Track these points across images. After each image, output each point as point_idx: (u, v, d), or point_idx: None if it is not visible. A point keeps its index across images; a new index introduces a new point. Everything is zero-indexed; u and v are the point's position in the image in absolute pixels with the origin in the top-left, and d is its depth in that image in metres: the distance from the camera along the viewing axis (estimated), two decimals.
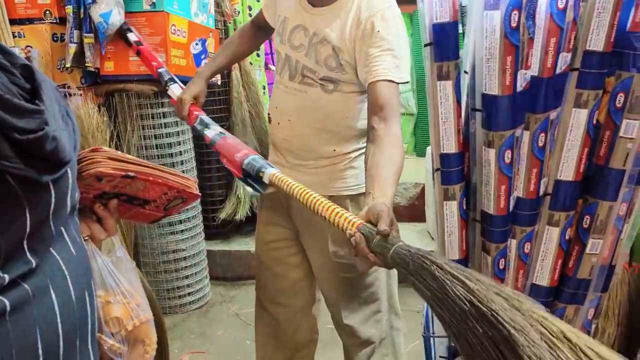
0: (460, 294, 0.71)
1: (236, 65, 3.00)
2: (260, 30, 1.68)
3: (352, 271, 1.47)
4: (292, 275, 1.57)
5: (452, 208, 1.15)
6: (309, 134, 1.44)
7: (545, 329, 0.63)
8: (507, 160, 1.05)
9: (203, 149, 2.91)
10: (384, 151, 1.21)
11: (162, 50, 2.28)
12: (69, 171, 0.62)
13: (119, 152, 0.86)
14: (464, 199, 1.15)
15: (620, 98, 1.04)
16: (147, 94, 2.33)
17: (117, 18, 2.10)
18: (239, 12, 3.13)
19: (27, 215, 0.55)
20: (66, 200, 0.62)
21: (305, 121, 1.45)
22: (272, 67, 3.62)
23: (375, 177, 1.14)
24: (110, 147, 1.92)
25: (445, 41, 1.01)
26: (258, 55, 3.30)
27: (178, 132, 2.48)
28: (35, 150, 0.53)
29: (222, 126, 3.11)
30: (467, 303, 0.70)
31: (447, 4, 0.97)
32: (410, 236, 2.98)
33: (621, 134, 1.05)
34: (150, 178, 0.90)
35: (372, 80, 1.28)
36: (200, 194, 1.03)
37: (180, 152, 2.51)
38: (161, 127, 2.42)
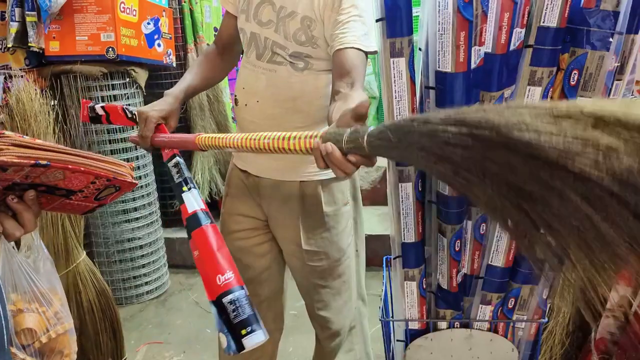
0: (462, 132, 0.60)
1: (193, 47, 2.91)
2: (226, 51, 1.51)
3: (322, 260, 1.44)
4: (259, 264, 1.52)
5: (407, 190, 1.12)
6: (278, 115, 1.37)
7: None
8: None
9: None
10: (351, 103, 1.06)
11: (111, 29, 2.17)
12: None
13: (27, 138, 0.76)
14: (419, 180, 1.13)
15: (574, 75, 1.02)
16: (96, 75, 2.22)
17: None
18: None
19: None
20: None
21: (274, 102, 1.37)
22: None
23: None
24: (55, 132, 1.82)
25: (397, 16, 0.97)
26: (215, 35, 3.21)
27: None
28: None
29: None
30: (476, 136, 0.59)
31: None
32: (372, 219, 2.97)
33: None
34: (70, 166, 0.80)
35: (339, 47, 1.23)
36: (136, 181, 0.93)
37: None
38: None
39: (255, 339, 0.89)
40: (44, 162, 0.76)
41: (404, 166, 1.11)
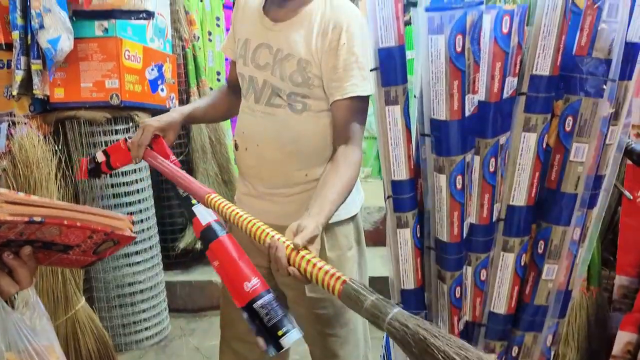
0: None
1: (195, 91, 2.95)
2: (236, 90, 1.52)
3: (328, 308, 1.41)
4: None
5: (406, 236, 1.11)
6: (278, 159, 1.36)
7: None
8: (459, 186, 1.02)
9: (161, 176, 2.84)
10: (336, 172, 1.24)
11: (116, 76, 2.21)
12: None
13: (22, 195, 0.76)
14: (417, 226, 1.12)
15: (569, 121, 1.03)
16: (100, 121, 2.25)
17: (66, 44, 2.03)
18: (198, 37, 3.09)
19: None
20: None
21: (274, 145, 1.37)
22: None
23: (318, 195, 1.18)
24: (57, 178, 1.84)
25: (391, 66, 0.98)
26: (218, 79, 3.26)
27: None
28: None
29: (180, 153, 3.02)
30: None
31: (392, 29, 0.95)
32: (374, 261, 2.94)
33: (571, 157, 1.04)
34: (65, 222, 0.79)
35: (338, 98, 1.26)
36: (135, 235, 0.93)
37: (136, 180, 2.43)
38: None
39: (291, 337, 0.95)
40: (39, 219, 0.75)
41: (402, 211, 1.11)
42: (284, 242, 0.98)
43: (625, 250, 1.36)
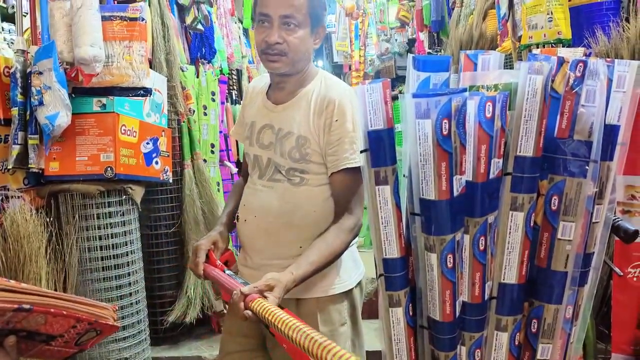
0: None
1: (189, 163, 2.99)
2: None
3: None
4: None
5: (398, 315, 1.10)
6: (274, 230, 1.42)
7: None
8: (450, 265, 1.03)
9: (153, 248, 2.81)
10: (325, 236, 1.38)
11: (111, 150, 2.25)
12: None
13: (12, 282, 0.78)
14: (410, 304, 1.11)
15: (555, 201, 1.05)
16: (93, 194, 2.26)
17: (64, 120, 2.08)
18: (194, 111, 3.18)
19: None
20: None
21: (270, 216, 1.44)
22: (228, 164, 3.63)
23: (302, 255, 1.35)
24: (47, 252, 1.82)
25: (380, 147, 1.02)
26: (213, 152, 3.32)
27: (125, 232, 2.38)
28: None
29: (172, 225, 3.01)
30: None
31: (380, 113, 0.99)
32: (369, 334, 2.87)
33: (559, 236, 1.06)
34: (52, 310, 0.80)
35: (333, 170, 1.40)
36: (118, 325, 0.95)
37: (127, 252, 2.40)
38: (107, 228, 2.33)
39: None
40: (27, 307, 0.76)
41: (394, 290, 1.10)
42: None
43: (619, 328, 1.34)
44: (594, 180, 1.06)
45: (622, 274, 1.24)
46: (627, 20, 2.08)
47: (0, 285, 0.74)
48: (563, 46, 2.10)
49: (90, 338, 0.91)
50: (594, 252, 1.12)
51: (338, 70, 6.64)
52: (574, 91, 1.01)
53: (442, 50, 3.85)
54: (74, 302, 0.85)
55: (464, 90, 0.94)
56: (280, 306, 1.15)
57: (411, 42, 6.03)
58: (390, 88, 0.99)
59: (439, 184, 0.97)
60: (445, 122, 0.93)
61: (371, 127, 1.00)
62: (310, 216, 1.42)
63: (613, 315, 1.36)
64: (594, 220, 1.09)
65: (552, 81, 1.03)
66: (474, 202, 1.01)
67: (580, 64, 1.01)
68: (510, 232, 1.06)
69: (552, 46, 2.11)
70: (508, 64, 2.68)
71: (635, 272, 1.28)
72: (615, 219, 1.21)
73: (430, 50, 4.09)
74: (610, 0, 2.25)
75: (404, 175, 1.11)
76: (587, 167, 1.02)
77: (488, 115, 0.95)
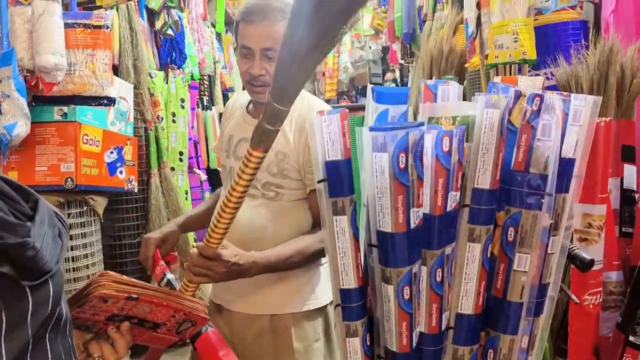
0: None
1: (156, 172, 2.95)
2: None
3: None
4: None
5: (355, 345, 1.09)
6: (245, 244, 1.43)
7: None
8: (406, 297, 1.02)
9: (116, 259, 2.76)
10: (300, 237, 1.41)
11: (72, 160, 2.19)
12: (49, 281, 0.69)
13: (125, 277, 0.98)
14: (367, 334, 1.11)
15: (511, 232, 1.06)
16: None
17: (22, 129, 2.02)
18: (162, 118, 3.13)
19: (3, 315, 0.62)
20: (46, 309, 0.68)
21: (242, 230, 1.45)
22: (197, 171, 3.59)
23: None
24: None
25: (338, 178, 1.01)
26: (181, 160, 3.27)
27: (85, 244, 2.33)
28: (16, 256, 0.63)
29: (138, 234, 2.97)
30: None
31: (338, 144, 0.98)
32: None
33: (515, 267, 1.06)
34: (155, 300, 0.98)
35: (311, 188, 1.45)
36: (208, 317, 1.11)
37: (87, 265, 2.35)
38: None
39: None
40: (135, 296, 0.95)
41: (351, 320, 1.09)
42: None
43: (576, 355, 1.36)
44: (550, 212, 1.06)
45: (578, 301, 1.26)
46: (594, 43, 2.13)
47: (117, 279, 0.94)
48: (529, 66, 2.13)
49: (186, 328, 1.08)
50: (549, 283, 1.13)
51: (312, 76, 6.65)
52: (530, 125, 1.02)
53: (413, 62, 3.88)
54: (172, 296, 1.03)
55: (421, 124, 0.94)
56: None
57: (385, 50, 6.07)
58: (348, 119, 0.98)
59: (395, 217, 0.97)
60: (402, 156, 0.93)
61: (329, 157, 0.99)
62: (282, 231, 1.45)
63: (570, 342, 1.38)
64: (549, 252, 1.10)
65: (510, 114, 1.04)
66: (431, 235, 1.01)
67: (537, 98, 1.01)
68: (467, 263, 1.06)
69: (518, 66, 2.14)
70: (477, 80, 2.71)
71: (591, 300, 1.30)
72: (572, 247, 1.22)
73: (402, 61, 4.11)
74: (575, 21, 2.30)
75: (363, 204, 1.10)
76: (542, 200, 1.03)
77: (445, 149, 0.94)
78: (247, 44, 1.44)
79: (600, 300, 1.32)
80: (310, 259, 1.43)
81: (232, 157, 1.53)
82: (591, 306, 1.28)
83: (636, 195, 1.37)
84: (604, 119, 1.17)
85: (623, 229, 1.38)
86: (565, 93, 1.05)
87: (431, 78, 3.25)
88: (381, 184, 0.95)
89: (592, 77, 1.27)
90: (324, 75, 6.10)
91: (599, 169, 1.18)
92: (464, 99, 3.26)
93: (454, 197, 1.01)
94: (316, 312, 1.51)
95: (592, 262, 1.18)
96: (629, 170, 1.38)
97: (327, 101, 6.60)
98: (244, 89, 1.60)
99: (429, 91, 1.07)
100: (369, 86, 1.00)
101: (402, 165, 0.94)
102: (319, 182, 1.02)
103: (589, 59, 1.30)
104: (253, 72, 1.44)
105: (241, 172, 1.21)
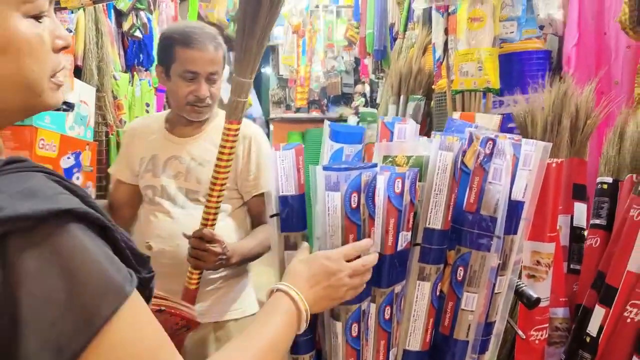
0: None
1: None
2: (119, 208, 1.80)
3: None
4: None
5: None
6: (178, 253, 1.54)
7: None
8: (354, 334, 1.02)
9: None
10: (259, 232, 1.62)
11: None
12: None
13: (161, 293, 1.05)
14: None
15: (460, 271, 1.07)
16: None
17: None
18: (125, 122, 3.06)
19: None
20: None
21: (177, 239, 1.54)
22: None
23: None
24: None
25: (291, 213, 1.00)
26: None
27: None
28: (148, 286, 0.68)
29: None
30: None
31: (292, 179, 0.98)
32: None
33: (462, 306, 1.07)
34: (172, 310, 1.04)
35: (255, 194, 1.65)
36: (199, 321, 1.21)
37: None
38: None
39: None
40: (162, 308, 1.02)
41: (297, 354, 1.09)
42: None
43: None
44: (498, 253, 1.08)
45: (524, 336, 1.28)
46: (557, 73, 2.19)
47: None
48: (493, 94, 2.17)
49: (181, 333, 1.12)
50: (495, 321, 1.15)
51: (283, 83, 6.60)
52: (482, 168, 1.03)
53: (384, 78, 3.91)
54: (176, 303, 1.10)
55: (374, 165, 0.94)
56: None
57: (358, 61, 6.11)
58: (303, 154, 0.98)
59: None
60: (354, 196, 0.93)
61: (282, 192, 0.99)
62: (230, 236, 1.59)
63: None
64: (496, 291, 1.12)
65: (464, 155, 1.05)
66: (381, 273, 1.01)
67: (490, 142, 1.03)
68: (416, 301, 1.07)
69: (483, 93, 2.18)
70: (443, 101, 2.75)
71: (537, 335, 1.32)
72: (520, 284, 1.24)
73: (373, 76, 4.14)
74: (539, 50, 2.36)
75: (316, 237, 1.10)
76: (491, 242, 1.05)
77: (397, 190, 0.95)
78: (193, 68, 1.54)
79: (546, 336, 1.35)
80: (266, 251, 1.59)
81: (163, 175, 1.62)
82: (537, 342, 1.31)
83: (585, 233, 1.41)
84: (555, 160, 1.20)
85: (571, 266, 1.42)
86: (516, 138, 1.07)
87: (399, 96, 3.28)
88: (333, 222, 0.95)
89: (546, 118, 1.30)
90: (295, 83, 6.09)
91: (549, 209, 1.21)
92: (431, 119, 3.29)
93: (405, 236, 1.01)
94: (243, 320, 1.66)
95: (538, 301, 1.20)
96: (580, 208, 1.42)
97: (298, 109, 6.59)
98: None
99: (386, 129, 1.07)
100: (326, 122, 1.00)
101: (354, 205, 0.94)
102: (271, 216, 1.01)
103: (545, 99, 1.34)
104: (200, 94, 1.55)
105: (222, 148, 1.39)
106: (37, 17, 0.64)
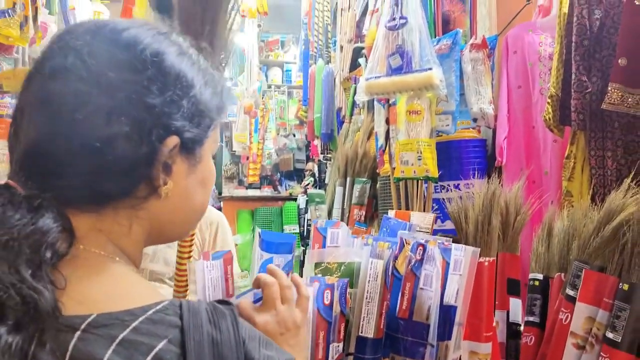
0: None
1: None
2: None
3: None
4: None
5: None
6: None
7: None
8: None
9: None
10: None
11: None
12: None
13: None
14: None
15: None
16: None
17: None
18: None
19: None
20: None
21: None
22: None
23: None
24: None
25: None
26: None
27: None
28: None
29: None
30: None
31: (219, 289, 0.95)
32: None
33: None
34: None
35: None
36: None
37: None
38: None
39: None
40: None
41: None
42: None
43: None
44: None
45: None
46: (494, 172, 2.28)
47: None
48: (433, 182, 2.23)
49: None
50: None
51: (236, 159, 6.63)
52: (414, 273, 1.04)
53: (331, 159, 3.98)
54: None
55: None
56: None
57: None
58: (232, 263, 0.96)
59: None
60: None
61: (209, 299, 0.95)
62: None
63: None
64: None
65: (395, 260, 1.06)
66: None
67: (420, 247, 1.05)
68: None
69: (424, 182, 2.24)
70: (388, 185, 2.80)
71: None
72: None
73: (321, 157, 4.23)
74: (475, 139, 2.48)
75: None
76: (425, 350, 1.04)
77: (327, 302, 0.94)
78: None
79: None
80: None
81: None
82: None
83: (521, 329, 1.42)
84: (487, 258, 1.22)
85: None
86: (447, 242, 1.09)
87: (346, 178, 3.34)
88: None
89: (477, 217, 1.34)
90: (247, 159, 6.14)
91: (484, 308, 1.22)
92: (376, 201, 3.32)
93: (335, 348, 0.99)
94: None
95: None
96: (515, 303, 1.44)
97: (250, 185, 6.58)
98: None
99: (319, 234, 1.07)
100: (257, 230, 0.99)
101: None
102: None
103: (475, 199, 1.38)
104: None
105: None
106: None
